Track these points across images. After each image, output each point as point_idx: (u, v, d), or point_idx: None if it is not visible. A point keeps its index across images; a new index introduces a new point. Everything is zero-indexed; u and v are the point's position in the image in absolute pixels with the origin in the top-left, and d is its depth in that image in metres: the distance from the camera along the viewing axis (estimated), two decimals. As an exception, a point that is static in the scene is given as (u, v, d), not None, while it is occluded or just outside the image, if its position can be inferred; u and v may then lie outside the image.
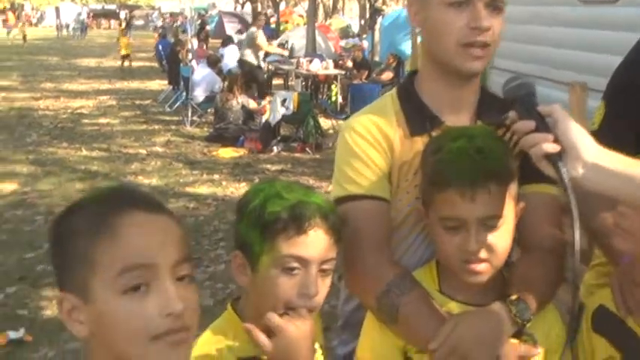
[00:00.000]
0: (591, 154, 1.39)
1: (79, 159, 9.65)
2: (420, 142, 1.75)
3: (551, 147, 1.40)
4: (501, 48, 5.92)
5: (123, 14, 53.15)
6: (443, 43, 1.69)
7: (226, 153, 10.08)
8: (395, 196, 1.77)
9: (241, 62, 14.60)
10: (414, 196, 1.75)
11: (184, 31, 21.61)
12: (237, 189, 8.12)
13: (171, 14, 42.87)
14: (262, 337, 1.50)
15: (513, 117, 1.50)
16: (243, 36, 17.84)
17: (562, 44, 4.81)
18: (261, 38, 14.61)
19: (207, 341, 1.56)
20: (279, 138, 10.52)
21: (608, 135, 1.64)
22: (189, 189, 8.23)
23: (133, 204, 1.15)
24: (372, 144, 1.75)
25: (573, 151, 1.39)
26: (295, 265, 1.51)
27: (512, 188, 1.61)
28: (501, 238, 1.58)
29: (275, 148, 10.26)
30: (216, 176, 8.77)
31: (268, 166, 9.43)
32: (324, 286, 1.55)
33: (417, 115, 1.78)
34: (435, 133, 1.74)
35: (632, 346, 1.65)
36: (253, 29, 15.08)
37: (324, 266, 1.54)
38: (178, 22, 36.85)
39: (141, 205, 1.16)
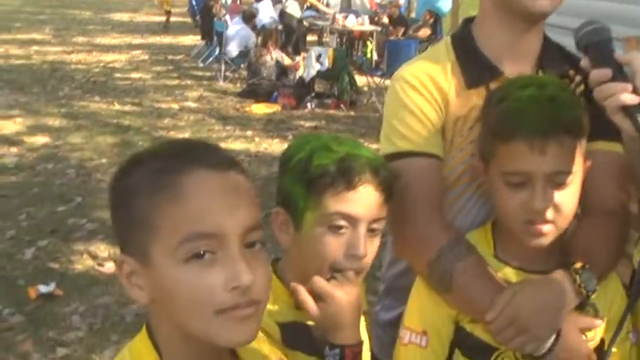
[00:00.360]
0: None
1: (110, 113, 9.59)
2: (476, 95, 1.61)
3: (629, 98, 1.27)
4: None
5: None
6: None
7: (259, 109, 9.96)
8: (448, 153, 1.63)
9: (282, 14, 14.39)
10: (468, 154, 1.62)
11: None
12: (270, 145, 8.03)
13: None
14: (310, 302, 1.39)
15: (587, 65, 1.35)
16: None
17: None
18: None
19: None
20: (313, 94, 10.35)
21: None
22: (221, 145, 8.02)
23: (199, 160, 1.02)
24: (424, 97, 1.61)
25: None
26: (343, 223, 1.39)
27: (583, 143, 1.47)
28: (569, 197, 1.45)
29: (309, 104, 10.13)
30: (249, 132, 8.68)
31: (302, 122, 9.31)
32: (372, 246, 1.43)
33: (473, 65, 1.64)
34: (494, 85, 1.59)
35: None
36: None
37: (374, 225, 1.42)
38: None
39: (209, 161, 1.02)
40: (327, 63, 10.08)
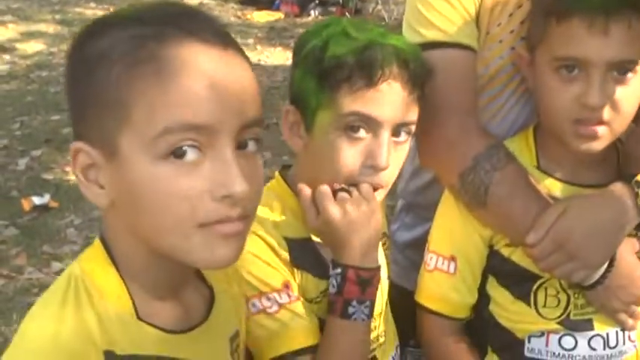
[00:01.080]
0: None
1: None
2: None
3: None
4: None
5: None
6: None
7: (261, 17, 9.62)
8: (483, 45, 1.36)
9: None
10: (508, 46, 1.36)
11: None
12: (272, 54, 7.75)
13: None
14: (311, 211, 1.16)
15: None
16: None
17: None
18: None
19: None
20: (317, 1, 9.89)
21: None
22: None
23: (193, 32, 0.79)
24: None
25: None
26: (362, 126, 1.13)
27: None
28: (631, 93, 1.20)
29: (312, 12, 9.72)
30: (250, 40, 8.33)
31: (305, 30, 8.95)
32: (397, 158, 1.18)
33: None
34: None
35: None
36: None
37: (400, 131, 1.16)
38: None
39: (204, 34, 0.80)
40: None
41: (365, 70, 1.11)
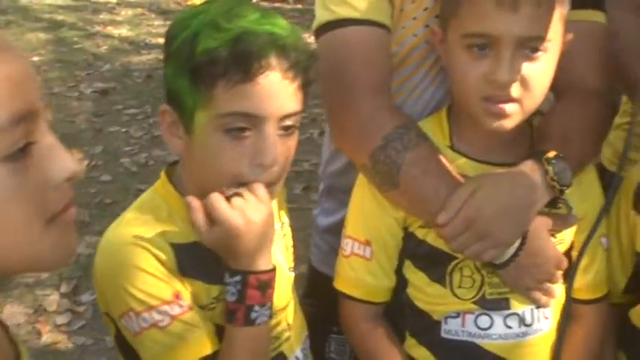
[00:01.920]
0: None
1: (42, 7, 8.94)
2: None
3: None
4: None
5: None
6: None
7: (202, 1, 9.45)
8: (397, 23, 1.33)
9: None
10: (422, 23, 1.33)
11: None
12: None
13: None
14: (201, 223, 1.09)
15: None
16: None
17: None
18: None
19: (134, 222, 1.14)
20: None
21: None
22: (161, 40, 7.58)
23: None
24: None
25: None
26: (244, 125, 1.07)
27: (565, 7, 1.19)
28: (541, 72, 1.18)
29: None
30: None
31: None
32: (287, 149, 1.12)
33: None
34: None
35: None
36: None
37: (286, 123, 1.10)
38: None
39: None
40: (271, -48, 9.54)
41: (240, 64, 1.03)
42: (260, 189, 1.09)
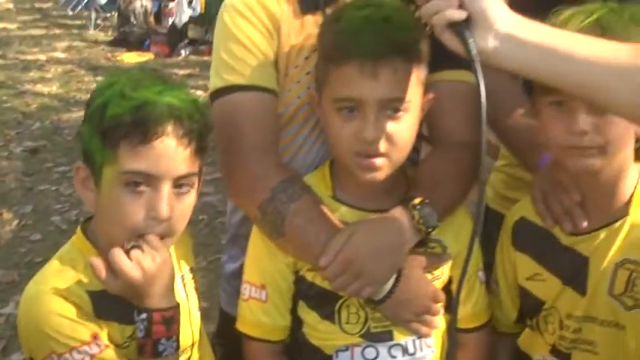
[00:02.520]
0: (505, 23, 1.15)
1: (-30, 67, 8.95)
2: (311, 22, 1.47)
3: (455, 14, 1.14)
4: None
5: None
6: None
7: (131, 58, 9.68)
8: (283, 86, 1.48)
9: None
10: (305, 86, 1.48)
11: None
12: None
13: None
14: (105, 276, 1.23)
15: None
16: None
17: None
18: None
19: (53, 274, 1.28)
20: (186, 41, 10.07)
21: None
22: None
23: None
24: (254, 25, 1.46)
25: (482, 19, 1.14)
26: (142, 181, 1.22)
27: (422, 71, 1.36)
28: (404, 128, 1.34)
29: (182, 51, 9.88)
30: (120, 79, 8.31)
31: (175, 70, 8.98)
32: (182, 206, 1.27)
33: None
34: (331, 10, 1.44)
35: (558, 257, 1.45)
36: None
37: (181, 182, 1.25)
38: None
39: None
40: (199, 8, 9.81)
41: (140, 129, 1.19)
42: (154, 240, 1.23)
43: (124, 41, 10.33)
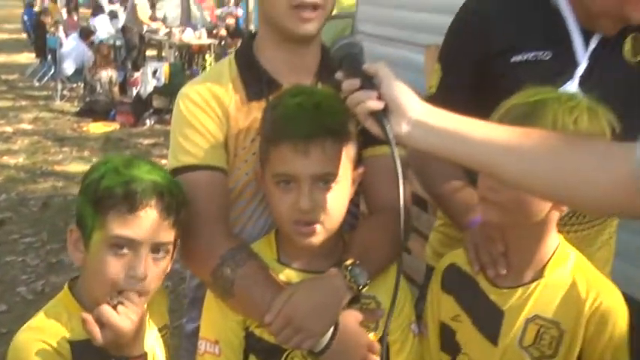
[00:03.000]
0: (416, 111, 1.36)
1: (-64, 138, 9.00)
2: (257, 108, 1.69)
3: (374, 104, 1.37)
4: (364, 12, 5.87)
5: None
6: (275, 5, 1.64)
7: (97, 128, 9.77)
8: (232, 165, 1.70)
9: (124, 29, 14.15)
10: (251, 165, 1.69)
11: (54, 0, 20.53)
12: (108, 164, 7.82)
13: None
14: (95, 332, 1.42)
15: (340, 76, 1.45)
16: (116, 5, 17.22)
17: (420, 7, 4.84)
18: (142, 10, 14.16)
19: (39, 325, 1.49)
20: (151, 110, 10.24)
21: (445, 98, 1.63)
22: (57, 167, 7.88)
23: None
24: (206, 112, 1.68)
25: (397, 108, 1.36)
26: (124, 244, 1.45)
27: (350, 149, 1.57)
28: (335, 199, 1.54)
29: (148, 121, 10.04)
30: (86, 153, 8.47)
31: (141, 140, 9.18)
32: (157, 268, 1.50)
33: (254, 79, 1.72)
34: (273, 97, 1.67)
35: (478, 305, 1.65)
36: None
37: (159, 248, 1.49)
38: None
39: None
40: (163, 78, 10.04)
41: (128, 200, 1.43)
42: (134, 296, 1.45)
43: (89, 111, 10.41)
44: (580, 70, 1.75)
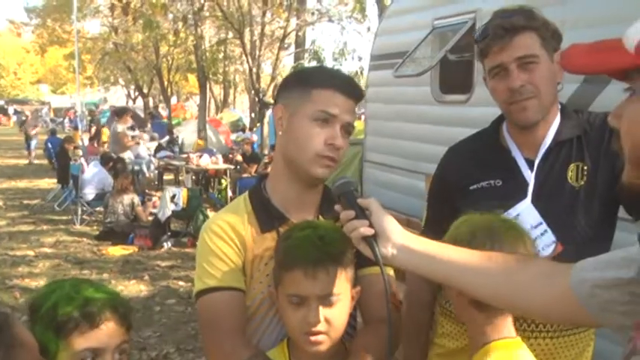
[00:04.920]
0: (399, 237, 1.68)
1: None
2: (269, 238, 2.02)
3: (366, 230, 1.69)
4: (372, 143, 6.32)
5: (11, 109, 51.77)
6: (303, 152, 1.97)
7: (116, 251, 10.01)
8: (249, 285, 2.02)
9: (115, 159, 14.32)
10: (266, 285, 2.01)
11: (75, 128, 21.46)
12: (127, 287, 8.10)
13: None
14: None
15: (339, 209, 1.79)
16: (136, 132, 17.87)
17: (421, 139, 5.27)
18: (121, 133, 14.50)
19: None
20: (169, 234, 10.53)
21: (430, 233, 1.96)
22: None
23: None
24: (227, 242, 2.01)
25: (384, 235, 1.68)
26: (91, 355, 1.69)
27: (349, 272, 1.88)
28: (338, 313, 1.85)
29: (165, 244, 10.30)
30: (105, 275, 8.69)
31: (158, 262, 9.42)
32: None
33: (265, 214, 2.06)
34: (283, 229, 2.01)
35: None
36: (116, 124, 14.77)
37: (120, 349, 1.76)
38: (66, 119, 36.37)
39: None
40: (181, 203, 10.36)
41: (88, 319, 1.69)
42: None
43: (109, 235, 10.68)
44: (530, 189, 2.17)
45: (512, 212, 2.12)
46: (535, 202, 2.15)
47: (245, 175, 13.64)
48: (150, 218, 11.20)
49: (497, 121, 2.33)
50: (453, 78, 5.15)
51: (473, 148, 2.33)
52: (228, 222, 2.04)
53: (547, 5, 3.04)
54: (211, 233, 2.03)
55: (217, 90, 39.59)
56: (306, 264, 1.80)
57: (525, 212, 2.14)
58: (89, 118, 27.30)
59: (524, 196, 2.16)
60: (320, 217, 2.09)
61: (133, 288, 8.04)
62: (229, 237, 2.01)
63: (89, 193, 12.39)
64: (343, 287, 1.86)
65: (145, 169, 15.13)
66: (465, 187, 2.24)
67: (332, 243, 1.82)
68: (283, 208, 2.06)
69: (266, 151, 16.54)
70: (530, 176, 2.19)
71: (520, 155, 2.22)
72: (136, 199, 11.31)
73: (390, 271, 2.01)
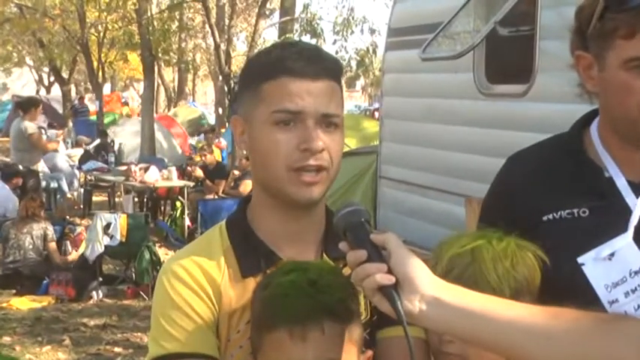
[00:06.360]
0: (430, 287, 1.69)
1: None
2: (253, 285, 2.02)
3: (384, 278, 1.70)
4: (389, 152, 6.35)
5: None
6: (271, 169, 2.00)
7: (23, 304, 9.92)
8: (225, 352, 2.04)
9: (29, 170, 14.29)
10: (247, 351, 2.02)
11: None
12: (38, 355, 8.07)
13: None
14: None
15: (345, 247, 1.81)
16: (51, 133, 17.73)
17: (460, 147, 5.31)
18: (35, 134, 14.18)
19: None
20: (100, 279, 10.46)
21: None
22: (-33, 359, 8.09)
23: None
24: (194, 290, 2.01)
25: (409, 283, 1.69)
26: None
27: (354, 331, 1.90)
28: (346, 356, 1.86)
29: (95, 293, 10.21)
30: (6, 338, 8.62)
31: (85, 319, 9.30)
32: None
33: (249, 251, 2.07)
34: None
35: None
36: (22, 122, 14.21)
37: None
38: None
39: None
40: (118, 235, 10.30)
41: None
42: None
43: (11, 280, 10.58)
44: (634, 221, 2.14)
45: (603, 250, 2.13)
46: (639, 239, 2.14)
47: (209, 197, 13.63)
48: (70, 258, 11.15)
49: (580, 125, 2.31)
50: (506, 61, 5.21)
51: (546, 162, 2.31)
52: (197, 262, 2.05)
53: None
54: (173, 278, 2.04)
55: (169, 75, 39.67)
56: (292, 321, 1.81)
57: (624, 251, 2.13)
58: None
59: (624, 230, 2.14)
60: (324, 255, 2.11)
61: (46, 357, 8.01)
62: (198, 283, 2.02)
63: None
64: (347, 352, 1.88)
65: (64, 186, 15.09)
66: (535, 217, 2.22)
67: (328, 290, 1.82)
68: (273, 244, 2.08)
69: (237, 163, 16.49)
70: (634, 204, 2.16)
71: (620, 175, 2.19)
72: (50, 230, 11.08)
73: (419, 333, 2.06)
